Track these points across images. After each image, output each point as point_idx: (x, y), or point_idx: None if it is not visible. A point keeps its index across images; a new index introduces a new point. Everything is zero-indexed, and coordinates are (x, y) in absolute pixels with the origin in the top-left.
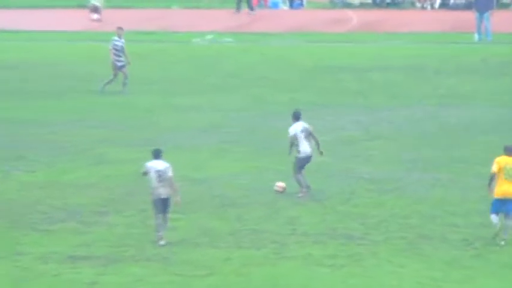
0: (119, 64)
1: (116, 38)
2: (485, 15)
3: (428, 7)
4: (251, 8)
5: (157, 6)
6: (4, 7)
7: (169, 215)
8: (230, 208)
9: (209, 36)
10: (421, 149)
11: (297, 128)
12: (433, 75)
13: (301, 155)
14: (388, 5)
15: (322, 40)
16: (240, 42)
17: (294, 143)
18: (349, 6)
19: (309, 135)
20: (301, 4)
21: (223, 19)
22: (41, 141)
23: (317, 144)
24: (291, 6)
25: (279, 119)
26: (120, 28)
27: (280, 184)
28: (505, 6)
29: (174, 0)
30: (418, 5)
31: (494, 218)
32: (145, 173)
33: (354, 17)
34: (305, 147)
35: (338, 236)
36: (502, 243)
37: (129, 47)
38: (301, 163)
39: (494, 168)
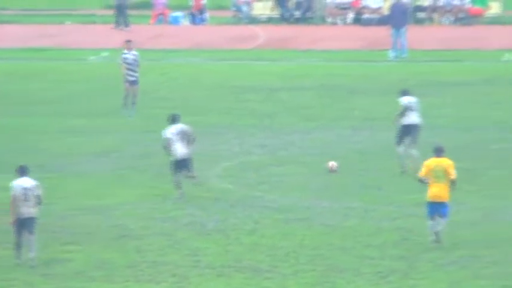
0: (131, 79)
1: (126, 51)
2: (401, 31)
3: (339, 22)
4: (126, 24)
5: (49, 22)
6: None
7: (35, 237)
8: (128, 239)
9: (105, 54)
10: (333, 175)
11: (172, 130)
12: (346, 95)
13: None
14: (298, 21)
15: (227, 58)
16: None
17: (167, 146)
18: (255, 21)
19: (184, 136)
20: (204, 20)
21: (120, 35)
22: None
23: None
24: (193, 22)
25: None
26: (128, 41)
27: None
28: (420, 21)
29: (68, 15)
30: (329, 20)
31: (429, 225)
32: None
33: (261, 34)
34: (180, 149)
35: (244, 268)
36: (432, 237)
37: (18, 65)
38: (177, 165)
39: (422, 171)
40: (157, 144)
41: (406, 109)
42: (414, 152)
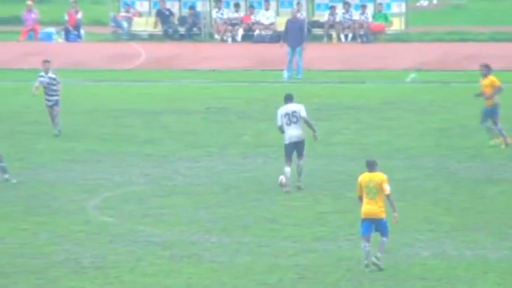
0: (49, 104)
1: (43, 73)
2: (298, 49)
3: (229, 40)
4: None
5: None
6: None
7: None
8: None
9: None
10: (223, 206)
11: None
12: (237, 119)
13: None
14: (182, 37)
15: (104, 79)
16: (7, 81)
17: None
18: (136, 38)
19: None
20: (79, 36)
21: None
22: None
23: None
24: (67, 38)
25: (49, 171)
26: (46, 61)
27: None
28: (317, 38)
29: None
30: (217, 37)
31: (363, 247)
32: None
33: (143, 52)
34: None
35: None
36: (373, 259)
37: None
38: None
39: (358, 190)
40: (27, 173)
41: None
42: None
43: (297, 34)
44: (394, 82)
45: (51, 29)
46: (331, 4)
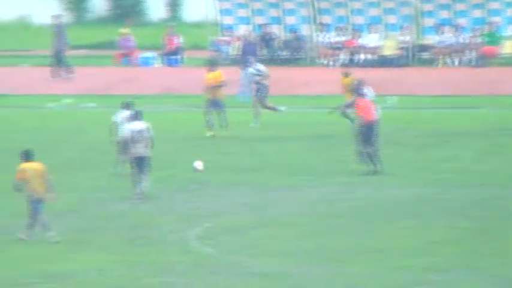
0: None
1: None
2: None
3: (332, 64)
4: (68, 70)
5: (2, 64)
6: None
7: None
8: None
9: (67, 100)
10: (325, 236)
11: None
12: (339, 146)
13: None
14: (285, 62)
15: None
16: (106, 107)
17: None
18: (235, 63)
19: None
20: (179, 61)
21: (85, 79)
22: None
23: None
24: (167, 63)
25: (149, 200)
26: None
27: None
28: (426, 63)
29: (25, 56)
30: (320, 61)
31: None
32: None
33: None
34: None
35: None
36: None
37: None
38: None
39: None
40: (125, 204)
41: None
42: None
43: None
44: (509, 108)
45: (150, 54)
46: (438, 26)
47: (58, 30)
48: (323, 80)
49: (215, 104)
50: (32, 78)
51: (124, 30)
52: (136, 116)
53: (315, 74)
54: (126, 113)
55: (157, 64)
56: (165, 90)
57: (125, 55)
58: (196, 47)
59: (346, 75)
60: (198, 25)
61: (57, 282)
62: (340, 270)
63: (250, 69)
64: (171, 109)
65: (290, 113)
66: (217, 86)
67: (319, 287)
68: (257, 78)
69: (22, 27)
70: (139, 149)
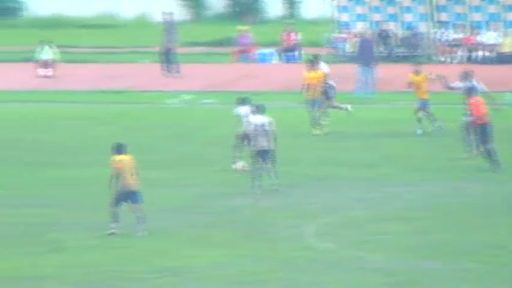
0: None
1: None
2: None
3: (449, 61)
4: (170, 69)
5: (122, 61)
6: None
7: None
8: None
9: (186, 97)
10: (442, 232)
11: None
12: (453, 142)
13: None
14: (402, 59)
15: None
16: (225, 103)
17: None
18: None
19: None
20: (296, 57)
21: (204, 75)
22: None
23: None
24: (284, 59)
25: (266, 196)
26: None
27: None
28: None
29: (145, 53)
30: (437, 58)
31: None
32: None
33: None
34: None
35: None
36: None
37: (87, 109)
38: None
39: None
40: (240, 201)
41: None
42: None
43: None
44: None
45: (268, 50)
46: None
47: (168, 28)
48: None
49: (313, 103)
50: (151, 75)
51: (242, 27)
52: (258, 110)
53: (432, 71)
54: (245, 108)
55: (275, 60)
56: (283, 87)
57: (242, 52)
58: (313, 43)
59: (417, 72)
60: (315, 22)
61: (176, 276)
62: (459, 266)
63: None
64: (290, 105)
65: (405, 109)
66: (318, 86)
67: (436, 282)
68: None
69: (143, 24)
70: (263, 143)
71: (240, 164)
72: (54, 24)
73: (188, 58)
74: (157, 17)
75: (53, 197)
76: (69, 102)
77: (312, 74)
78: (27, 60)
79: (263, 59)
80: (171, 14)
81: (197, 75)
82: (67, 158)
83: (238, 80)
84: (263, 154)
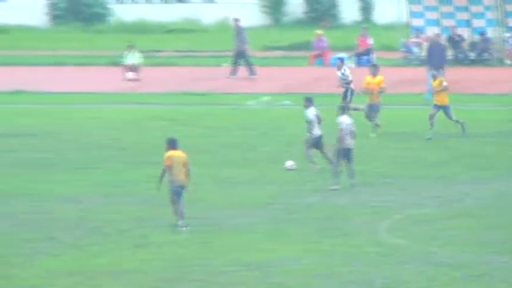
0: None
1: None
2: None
3: None
4: (251, 72)
5: (204, 64)
6: (24, 64)
7: None
8: None
9: (265, 98)
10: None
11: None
12: None
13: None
14: (472, 62)
15: (390, 103)
16: (300, 105)
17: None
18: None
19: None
20: (370, 61)
21: (282, 78)
22: (69, 220)
23: None
24: (358, 63)
25: (341, 193)
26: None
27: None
28: None
29: (225, 56)
30: (508, 61)
31: None
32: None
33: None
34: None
35: None
36: None
37: (170, 110)
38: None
39: None
40: (318, 197)
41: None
42: None
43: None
44: None
45: (343, 55)
46: None
47: (238, 32)
48: (510, 80)
49: (372, 108)
50: (231, 78)
51: (318, 31)
52: (343, 111)
53: (502, 74)
54: (313, 110)
55: (350, 64)
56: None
57: (319, 56)
58: (387, 48)
59: (434, 77)
60: (389, 27)
61: (254, 270)
62: None
63: (338, 73)
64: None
65: (476, 110)
66: (378, 92)
67: (506, 275)
68: (343, 81)
69: (223, 29)
70: (348, 141)
71: (289, 163)
72: (139, 30)
73: (267, 61)
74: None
75: (141, 195)
76: (153, 104)
77: (375, 80)
78: (113, 64)
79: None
80: (238, 20)
81: (275, 78)
82: (152, 157)
83: (313, 83)
84: (348, 153)
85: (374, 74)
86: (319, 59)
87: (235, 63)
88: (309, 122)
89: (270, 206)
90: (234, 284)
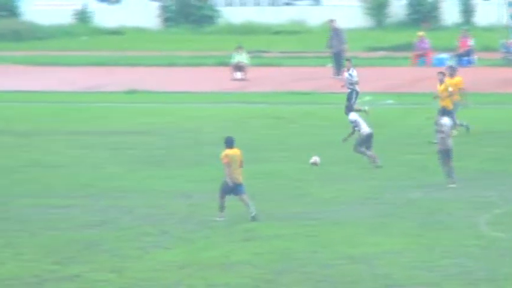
0: None
1: None
2: None
3: None
4: (338, 73)
5: (309, 65)
6: (138, 64)
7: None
8: None
9: (367, 98)
10: None
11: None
12: None
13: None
14: None
15: (491, 102)
16: (402, 104)
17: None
18: None
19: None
20: (471, 61)
21: (384, 78)
22: (180, 214)
23: None
24: (459, 63)
25: (440, 189)
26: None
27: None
28: None
29: (329, 57)
30: None
31: None
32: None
33: None
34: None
35: None
36: None
37: (275, 109)
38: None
39: None
40: (417, 192)
41: None
42: None
43: None
44: None
45: (444, 55)
46: None
47: (336, 33)
48: None
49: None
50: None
51: (420, 33)
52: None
53: None
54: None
55: (451, 64)
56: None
57: (421, 56)
58: (487, 49)
59: (441, 81)
60: (489, 29)
61: (359, 263)
62: None
63: (346, 74)
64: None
65: None
66: (456, 92)
67: None
68: (349, 82)
69: (328, 30)
70: (449, 142)
71: (314, 158)
72: (247, 31)
73: (370, 62)
74: (342, 24)
75: (248, 190)
76: (259, 103)
77: (452, 80)
78: (221, 64)
79: (440, 63)
80: (333, 21)
81: (378, 78)
82: (258, 154)
83: (414, 83)
84: (449, 153)
85: (451, 75)
86: (421, 59)
87: (338, 64)
88: (353, 122)
89: (373, 201)
90: (341, 276)
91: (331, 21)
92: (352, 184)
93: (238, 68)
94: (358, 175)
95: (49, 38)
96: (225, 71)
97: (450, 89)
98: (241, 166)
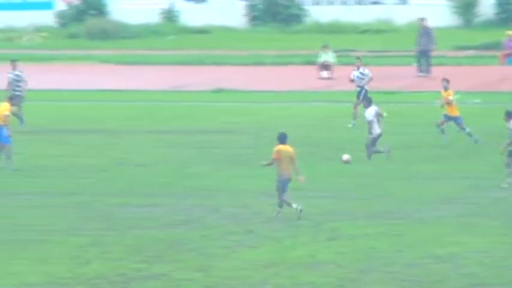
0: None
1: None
2: None
3: None
4: (427, 70)
5: (395, 64)
6: (224, 63)
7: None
8: None
9: (456, 96)
10: None
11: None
12: None
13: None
14: None
15: None
16: (490, 103)
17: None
18: None
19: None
20: None
21: (471, 77)
22: (265, 213)
23: None
24: None
25: None
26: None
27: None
28: None
29: (414, 56)
30: None
31: None
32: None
33: None
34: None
35: None
36: None
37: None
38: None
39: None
40: (505, 192)
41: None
42: None
43: None
44: None
45: None
46: None
47: (426, 32)
48: None
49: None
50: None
51: (509, 32)
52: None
53: None
54: (372, 110)
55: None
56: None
57: (509, 55)
58: None
59: (445, 88)
60: None
61: (445, 262)
62: None
63: (355, 72)
64: None
65: None
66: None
67: None
68: (363, 81)
69: (414, 29)
70: None
71: (346, 156)
72: (334, 30)
73: (458, 61)
74: (430, 24)
75: (333, 189)
76: (345, 102)
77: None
78: (308, 63)
79: None
80: (424, 19)
81: (465, 77)
82: (343, 153)
83: (501, 82)
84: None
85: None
86: (510, 58)
87: (421, 62)
88: (369, 123)
89: (459, 200)
90: (425, 276)
91: (422, 19)
92: (439, 183)
93: (325, 66)
94: (446, 174)
95: (136, 37)
96: (311, 70)
97: (450, 97)
98: (293, 163)
